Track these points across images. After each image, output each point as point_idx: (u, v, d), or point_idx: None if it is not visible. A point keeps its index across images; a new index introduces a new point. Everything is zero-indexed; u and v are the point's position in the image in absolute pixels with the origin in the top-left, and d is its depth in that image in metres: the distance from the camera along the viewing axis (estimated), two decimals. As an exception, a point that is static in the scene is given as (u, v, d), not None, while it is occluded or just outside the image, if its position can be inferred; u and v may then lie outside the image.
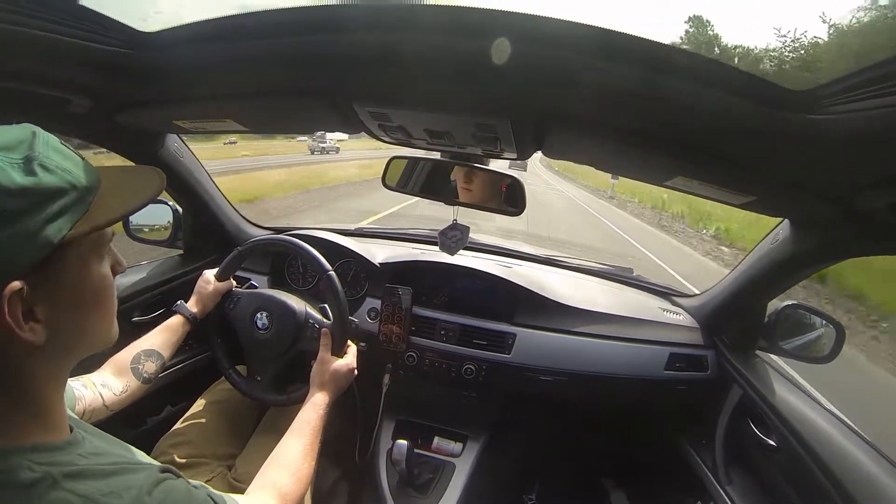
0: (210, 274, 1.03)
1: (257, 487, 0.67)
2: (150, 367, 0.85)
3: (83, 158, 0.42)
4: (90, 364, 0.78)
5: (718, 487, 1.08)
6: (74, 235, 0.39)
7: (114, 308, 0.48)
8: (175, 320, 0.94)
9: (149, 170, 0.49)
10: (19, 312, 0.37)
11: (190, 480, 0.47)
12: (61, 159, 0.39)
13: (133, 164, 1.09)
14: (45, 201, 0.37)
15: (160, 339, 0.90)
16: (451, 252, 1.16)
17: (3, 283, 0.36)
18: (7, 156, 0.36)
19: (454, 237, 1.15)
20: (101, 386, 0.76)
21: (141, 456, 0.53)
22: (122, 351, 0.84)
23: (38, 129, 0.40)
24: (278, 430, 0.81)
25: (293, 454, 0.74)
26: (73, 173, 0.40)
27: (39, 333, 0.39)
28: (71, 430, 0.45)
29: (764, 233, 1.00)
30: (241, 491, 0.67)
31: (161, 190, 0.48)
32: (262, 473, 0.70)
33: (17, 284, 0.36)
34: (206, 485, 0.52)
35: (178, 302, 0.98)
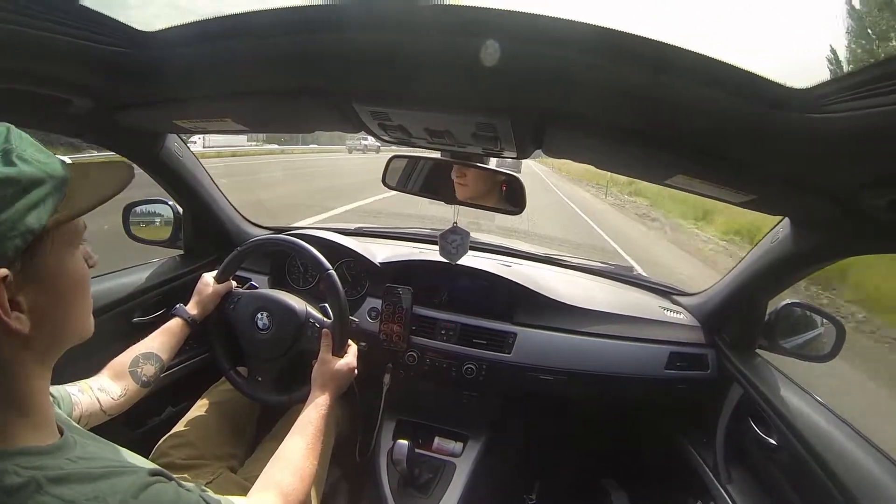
0: (209, 276, 1.03)
1: (260, 488, 0.67)
2: (149, 370, 0.85)
3: (52, 153, 0.44)
4: (87, 369, 0.78)
5: (719, 487, 1.08)
6: (56, 221, 0.40)
7: (90, 300, 0.49)
8: (174, 323, 0.94)
9: (116, 162, 0.50)
10: (5, 300, 0.38)
11: (184, 483, 0.47)
12: (36, 152, 0.41)
13: (132, 163, 1.09)
14: (26, 190, 0.38)
15: (159, 342, 0.89)
16: (453, 259, 1.16)
17: None
18: None
19: (455, 242, 1.16)
20: (99, 390, 0.75)
21: (135, 459, 0.52)
22: (121, 355, 0.84)
23: (11, 126, 0.41)
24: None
25: (295, 454, 0.74)
26: (49, 164, 0.41)
27: (24, 323, 0.39)
28: (62, 434, 0.45)
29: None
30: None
31: (131, 178, 0.48)
32: (265, 474, 0.70)
33: (3, 272, 0.37)
34: (205, 487, 0.52)
35: (178, 305, 0.97)
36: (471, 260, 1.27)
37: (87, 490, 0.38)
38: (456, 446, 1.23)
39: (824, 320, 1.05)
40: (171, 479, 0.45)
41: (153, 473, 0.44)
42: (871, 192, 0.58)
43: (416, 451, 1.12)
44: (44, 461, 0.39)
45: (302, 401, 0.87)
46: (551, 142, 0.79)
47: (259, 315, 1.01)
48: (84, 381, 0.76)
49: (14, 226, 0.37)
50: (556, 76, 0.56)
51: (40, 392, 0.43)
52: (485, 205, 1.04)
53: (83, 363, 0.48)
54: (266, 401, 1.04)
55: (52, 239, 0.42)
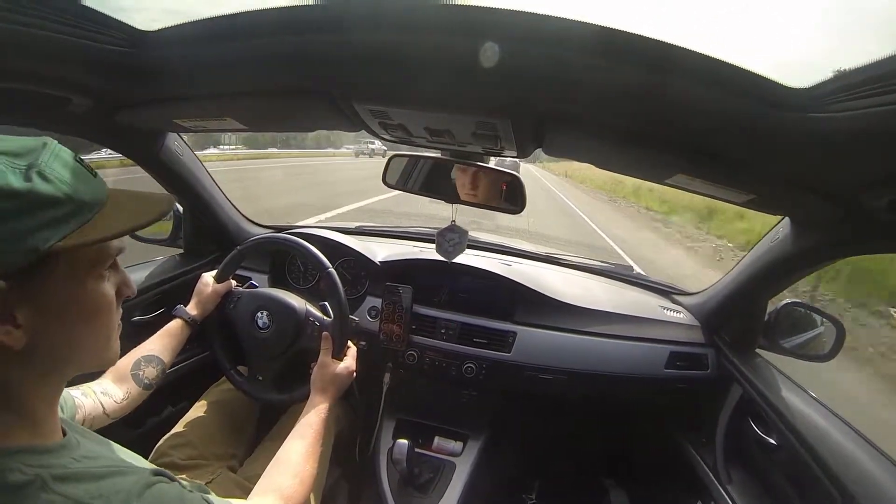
0: (209, 276, 1.03)
1: (260, 491, 0.67)
2: (151, 372, 0.85)
3: (95, 175, 0.43)
4: (90, 374, 0.78)
5: (719, 486, 1.08)
6: (63, 247, 0.39)
7: (110, 330, 0.47)
8: (175, 324, 0.94)
9: (161, 195, 0.49)
10: None
11: (186, 484, 0.47)
12: (65, 171, 0.39)
13: (133, 162, 1.09)
14: (37, 208, 0.37)
15: (160, 344, 0.90)
16: (449, 257, 1.16)
17: None
18: (12, 161, 0.37)
19: (452, 240, 1.15)
20: (102, 394, 0.76)
21: (137, 460, 0.53)
22: (122, 358, 0.84)
23: (52, 142, 0.40)
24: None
25: (295, 456, 0.74)
26: (74, 186, 0.40)
27: (17, 338, 0.38)
28: (65, 434, 0.45)
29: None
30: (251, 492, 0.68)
31: (164, 215, 0.47)
32: (265, 477, 0.70)
33: None
34: (205, 486, 0.52)
35: (178, 306, 0.97)
36: (471, 259, 1.27)
37: (92, 489, 0.38)
38: (456, 446, 1.23)
39: (824, 320, 1.05)
40: (173, 479, 0.45)
41: (156, 473, 0.44)
42: (872, 191, 0.58)
43: (416, 450, 1.13)
44: (48, 460, 0.39)
45: (302, 400, 0.87)
46: (551, 141, 0.79)
47: (259, 314, 1.01)
48: (87, 384, 0.76)
49: (15, 240, 0.36)
50: (556, 76, 0.56)
51: (43, 401, 0.43)
52: (485, 204, 1.04)
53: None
54: (267, 400, 1.04)
55: (65, 262, 0.40)
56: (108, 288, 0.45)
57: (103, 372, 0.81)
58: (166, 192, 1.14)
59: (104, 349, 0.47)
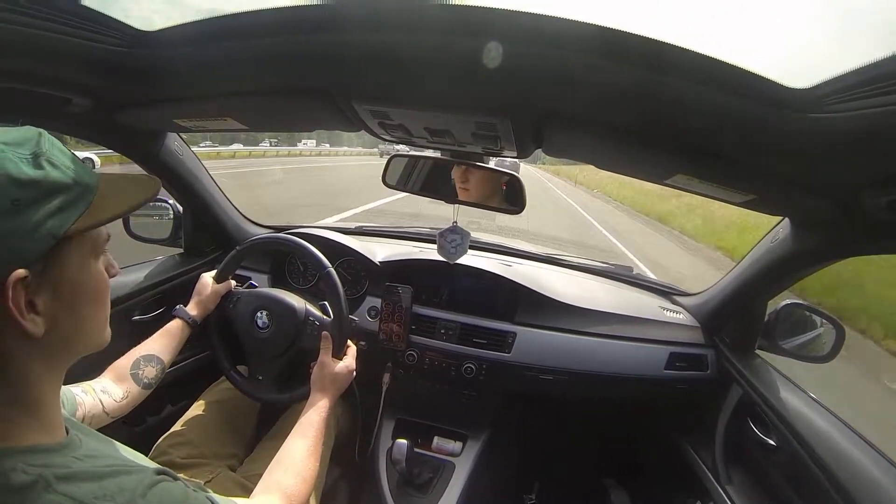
0: (208, 277, 1.03)
1: (262, 490, 0.67)
2: (150, 372, 0.85)
3: (84, 161, 0.45)
4: (90, 372, 0.78)
5: (718, 487, 1.08)
6: (77, 229, 0.41)
7: (108, 309, 0.49)
8: (174, 325, 0.94)
9: (145, 176, 0.52)
10: (22, 301, 0.38)
11: (189, 483, 0.47)
12: (65, 158, 0.41)
13: (134, 163, 1.09)
14: (51, 195, 0.39)
15: (159, 344, 0.90)
16: (451, 259, 1.16)
17: (8, 270, 0.37)
18: (17, 151, 0.38)
19: (454, 241, 1.16)
20: (102, 392, 0.76)
21: (140, 458, 0.53)
22: (122, 358, 0.84)
23: (43, 131, 0.42)
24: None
25: (297, 455, 0.74)
26: (76, 171, 0.42)
27: (39, 325, 0.40)
28: (67, 433, 0.45)
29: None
30: (251, 492, 0.68)
31: (157, 192, 0.50)
32: (267, 475, 0.70)
33: (21, 272, 0.37)
34: (206, 486, 0.52)
35: (178, 306, 0.97)
36: (471, 259, 1.27)
37: (95, 488, 0.38)
38: (455, 446, 1.23)
39: (823, 321, 1.05)
40: (176, 478, 0.45)
41: (159, 472, 0.44)
42: (872, 192, 0.58)
43: (416, 450, 1.13)
44: (50, 459, 0.39)
45: (303, 399, 0.87)
46: (551, 141, 0.79)
47: (259, 314, 1.01)
48: (87, 382, 0.76)
49: (35, 228, 0.38)
50: (556, 75, 0.56)
51: (49, 393, 0.43)
52: (485, 204, 1.04)
53: (82, 362, 0.48)
54: (267, 400, 1.04)
55: (74, 245, 0.42)
56: (103, 270, 0.47)
57: (102, 369, 0.81)
58: (156, 179, 1.14)
59: (102, 331, 0.48)
